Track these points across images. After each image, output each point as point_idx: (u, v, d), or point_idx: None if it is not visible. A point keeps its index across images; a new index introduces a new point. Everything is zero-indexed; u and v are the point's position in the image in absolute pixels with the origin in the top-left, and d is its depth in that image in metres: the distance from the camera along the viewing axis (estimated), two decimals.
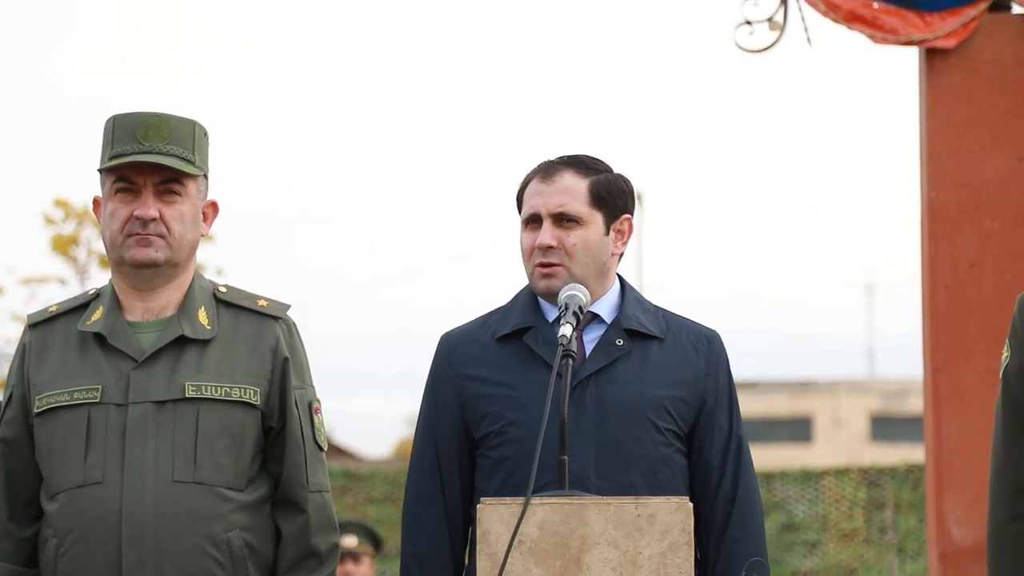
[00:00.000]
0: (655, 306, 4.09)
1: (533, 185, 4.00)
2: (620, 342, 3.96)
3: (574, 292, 3.89)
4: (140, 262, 3.93)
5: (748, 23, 6.71)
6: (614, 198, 4.00)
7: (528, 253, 3.99)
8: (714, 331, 4.08)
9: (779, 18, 6.71)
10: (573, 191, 3.97)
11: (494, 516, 3.56)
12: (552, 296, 3.95)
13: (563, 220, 3.96)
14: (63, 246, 19.24)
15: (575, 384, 3.90)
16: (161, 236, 3.92)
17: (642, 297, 4.10)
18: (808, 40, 6.73)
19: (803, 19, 6.72)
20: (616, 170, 4.07)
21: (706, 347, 4.03)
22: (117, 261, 3.97)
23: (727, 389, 4.03)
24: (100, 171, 3.97)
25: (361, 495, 16.89)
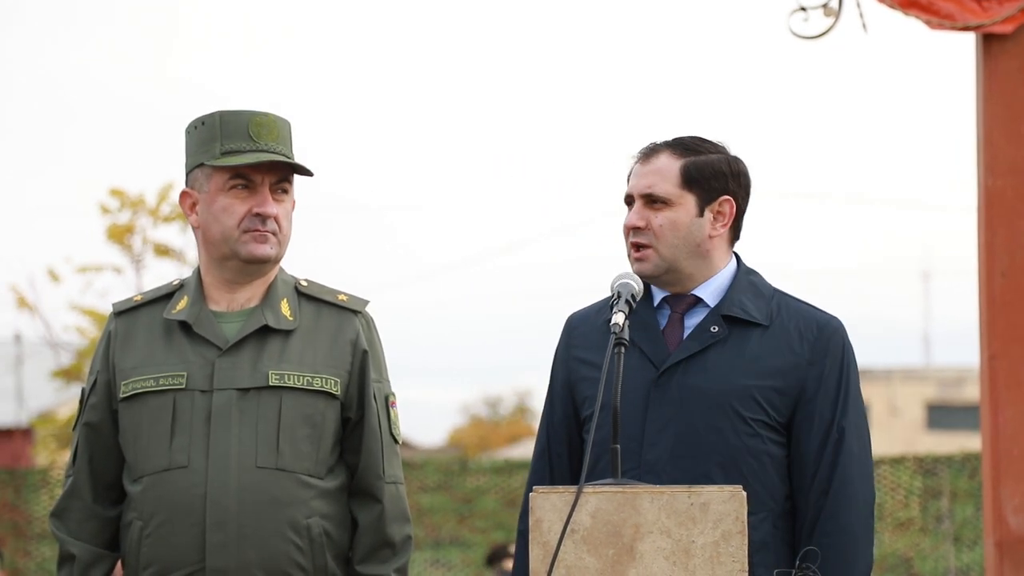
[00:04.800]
0: (775, 291, 4.00)
1: (634, 167, 4.01)
2: (715, 328, 3.90)
3: (627, 281, 3.87)
4: (257, 258, 4.01)
5: (803, 9, 6.66)
6: (708, 179, 3.94)
7: (624, 234, 3.98)
8: (831, 318, 3.96)
9: (834, 4, 6.66)
10: (664, 172, 3.94)
11: (546, 504, 3.55)
12: (647, 278, 3.94)
13: (652, 201, 3.94)
14: (119, 235, 19.32)
15: (663, 371, 3.88)
16: (274, 233, 4.02)
17: (762, 281, 4.00)
18: (863, 26, 6.68)
19: (858, 5, 6.67)
20: (730, 152, 4.00)
21: (814, 335, 3.91)
22: (227, 255, 4.03)
23: (835, 377, 3.89)
24: (213, 167, 4.02)
25: (415, 484, 16.91)
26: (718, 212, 3.97)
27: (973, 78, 6.71)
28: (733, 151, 4.02)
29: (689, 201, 3.95)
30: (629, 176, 4.01)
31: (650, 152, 3.98)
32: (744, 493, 3.56)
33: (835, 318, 3.97)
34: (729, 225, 3.98)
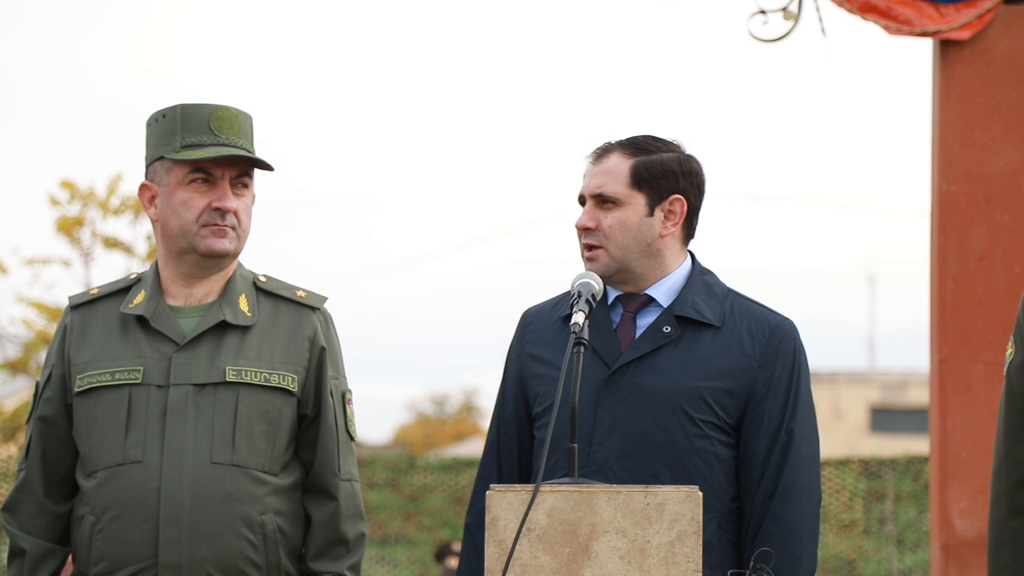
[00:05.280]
0: (729, 291, 3.99)
1: (587, 167, 4.01)
2: (668, 329, 3.90)
3: (588, 280, 3.87)
4: (216, 252, 3.99)
5: (762, 12, 6.70)
6: (658, 179, 3.94)
7: (577, 234, 3.99)
8: (783, 320, 3.95)
9: (793, 8, 6.70)
10: (614, 172, 3.94)
11: (503, 503, 3.55)
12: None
13: (603, 201, 3.95)
14: (68, 227, 19.20)
15: (614, 370, 3.89)
16: (233, 228, 4.00)
17: (716, 282, 4.00)
18: (822, 30, 6.71)
19: (817, 9, 6.70)
20: (684, 151, 3.99)
21: (765, 336, 3.91)
22: (185, 249, 4.01)
23: (785, 380, 3.90)
24: (173, 160, 3.99)
25: (362, 480, 16.89)
26: (669, 211, 3.96)
27: (930, 84, 6.75)
28: (688, 151, 4.02)
29: (639, 201, 3.94)
30: (584, 176, 4.02)
31: (602, 152, 3.99)
32: (700, 494, 3.56)
33: (787, 320, 3.97)
34: (681, 224, 3.98)
